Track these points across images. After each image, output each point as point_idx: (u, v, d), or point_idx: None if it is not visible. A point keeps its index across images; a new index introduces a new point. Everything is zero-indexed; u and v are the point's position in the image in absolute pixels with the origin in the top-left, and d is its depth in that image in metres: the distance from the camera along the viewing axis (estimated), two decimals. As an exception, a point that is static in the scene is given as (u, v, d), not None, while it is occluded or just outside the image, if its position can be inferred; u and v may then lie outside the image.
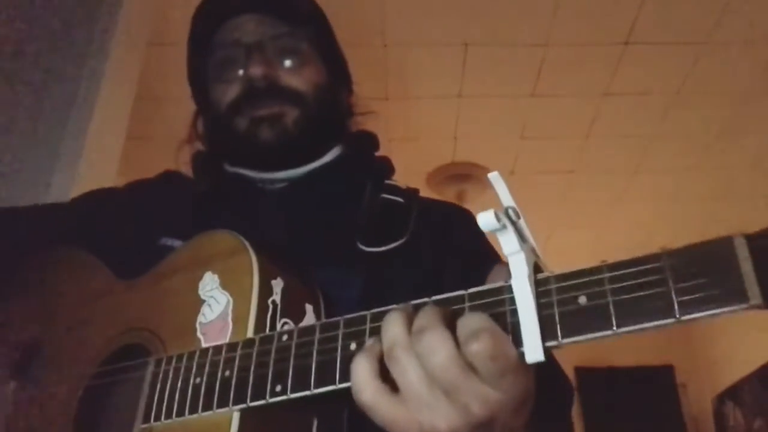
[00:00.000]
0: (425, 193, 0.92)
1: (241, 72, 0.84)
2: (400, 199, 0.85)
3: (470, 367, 0.45)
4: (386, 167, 0.93)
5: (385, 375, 0.48)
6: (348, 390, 0.50)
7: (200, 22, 0.91)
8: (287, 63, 0.86)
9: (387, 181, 0.90)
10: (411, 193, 0.87)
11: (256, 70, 0.83)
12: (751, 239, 0.40)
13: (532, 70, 2.96)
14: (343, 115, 0.93)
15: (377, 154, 0.95)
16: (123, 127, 1.94)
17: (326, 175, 0.86)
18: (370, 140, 0.94)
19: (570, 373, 4.87)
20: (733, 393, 4.46)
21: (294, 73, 0.85)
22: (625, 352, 4.83)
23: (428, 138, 3.33)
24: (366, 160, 0.92)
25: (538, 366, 0.46)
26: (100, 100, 1.80)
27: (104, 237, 0.83)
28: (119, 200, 0.93)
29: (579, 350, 5.39)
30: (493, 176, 0.49)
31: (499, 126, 3.30)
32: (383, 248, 0.76)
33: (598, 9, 2.64)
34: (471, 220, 0.55)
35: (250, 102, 0.83)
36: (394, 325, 0.47)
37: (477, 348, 0.44)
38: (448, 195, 3.62)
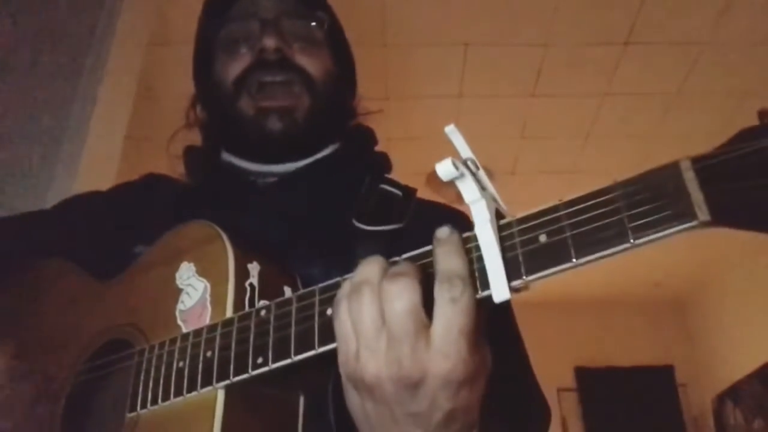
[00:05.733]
0: (425, 191, 0.92)
1: (253, 45, 0.84)
2: (398, 192, 0.84)
3: (423, 326, 0.46)
4: (384, 162, 0.93)
5: None
6: (331, 361, 0.51)
7: None
8: (301, 44, 0.85)
9: (386, 176, 0.90)
10: (409, 190, 0.87)
11: (270, 42, 0.82)
12: (696, 161, 0.42)
13: (532, 70, 2.96)
14: (345, 115, 0.93)
15: (375, 149, 0.94)
16: (123, 127, 1.94)
17: (321, 170, 0.86)
18: (368, 136, 0.93)
19: (570, 373, 4.87)
20: (733, 393, 4.46)
21: (306, 55, 0.85)
22: (625, 352, 4.83)
23: (428, 138, 3.33)
24: (364, 155, 0.92)
25: (513, 384, 0.47)
26: (100, 100, 1.80)
27: (83, 244, 0.83)
28: (99, 207, 0.92)
29: (579, 350, 5.37)
30: (450, 130, 0.51)
31: (499, 126, 3.31)
32: (380, 228, 0.76)
33: (598, 9, 2.64)
34: (466, 223, 0.56)
35: (259, 72, 0.82)
36: (372, 264, 0.49)
37: (452, 290, 0.46)
38: (447, 195, 3.60)
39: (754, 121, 0.43)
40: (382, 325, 0.47)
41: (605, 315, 4.95)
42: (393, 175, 0.93)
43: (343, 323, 0.48)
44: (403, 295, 0.46)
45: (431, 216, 0.83)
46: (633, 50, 2.84)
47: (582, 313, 4.93)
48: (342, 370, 0.50)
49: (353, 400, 0.51)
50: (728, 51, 2.84)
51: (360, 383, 0.48)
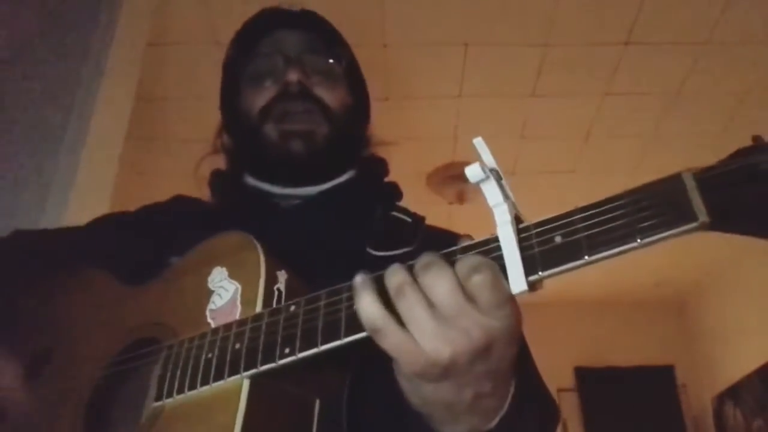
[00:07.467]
0: (425, 192, 0.94)
1: (278, 79, 0.91)
2: (408, 218, 0.90)
3: (471, 298, 0.50)
4: (395, 191, 0.98)
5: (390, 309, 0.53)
6: (351, 366, 0.53)
7: (244, 34, 0.98)
8: (320, 78, 0.92)
9: (397, 203, 0.96)
10: (417, 217, 0.92)
11: (293, 76, 0.89)
12: (696, 173, 0.48)
13: (532, 70, 2.96)
14: (360, 143, 0.99)
15: (386, 179, 1.00)
16: (123, 127, 1.94)
17: (339, 195, 0.92)
18: (381, 166, 1.00)
19: (570, 373, 4.87)
20: (733, 393, 4.46)
21: (326, 89, 0.92)
22: (625, 352, 4.83)
23: (428, 138, 3.33)
24: (376, 184, 0.98)
25: (525, 386, 0.54)
26: (100, 101, 1.80)
27: (119, 258, 0.87)
28: (132, 223, 0.98)
29: (579, 350, 5.36)
30: (478, 142, 0.55)
31: (499, 126, 3.30)
32: (392, 253, 0.80)
33: (598, 9, 2.64)
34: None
35: (282, 103, 0.89)
36: (398, 270, 0.53)
37: (478, 279, 0.50)
38: (448, 195, 3.62)
39: (753, 121, 0.45)
40: (434, 311, 0.50)
41: (605, 315, 4.95)
42: (392, 177, 0.99)
43: (396, 334, 0.51)
44: (441, 277, 0.51)
45: (439, 241, 0.88)
46: (633, 50, 2.84)
47: (582, 313, 4.93)
48: (409, 374, 0.53)
49: (425, 392, 0.54)
50: (728, 51, 2.84)
51: (433, 371, 0.51)
